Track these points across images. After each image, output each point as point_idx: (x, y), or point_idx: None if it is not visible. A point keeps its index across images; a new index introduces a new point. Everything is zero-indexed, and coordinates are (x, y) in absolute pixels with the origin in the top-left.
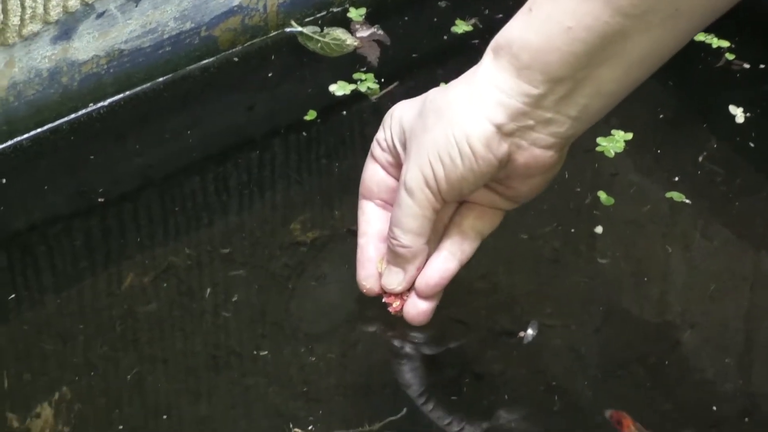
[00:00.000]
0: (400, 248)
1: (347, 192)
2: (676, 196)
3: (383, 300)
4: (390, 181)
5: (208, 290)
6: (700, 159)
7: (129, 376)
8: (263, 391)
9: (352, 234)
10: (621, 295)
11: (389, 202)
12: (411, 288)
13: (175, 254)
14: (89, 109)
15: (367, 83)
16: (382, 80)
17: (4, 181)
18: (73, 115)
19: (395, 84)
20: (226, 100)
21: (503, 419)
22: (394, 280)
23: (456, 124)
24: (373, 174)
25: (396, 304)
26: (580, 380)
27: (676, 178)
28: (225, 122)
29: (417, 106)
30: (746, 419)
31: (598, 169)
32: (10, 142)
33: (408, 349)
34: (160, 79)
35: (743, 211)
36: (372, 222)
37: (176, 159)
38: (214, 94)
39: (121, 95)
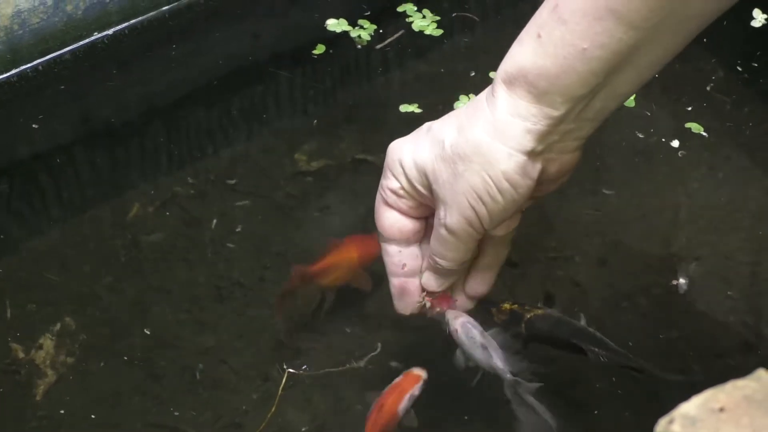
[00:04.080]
0: (444, 270)
1: (352, 122)
2: (694, 127)
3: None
4: (411, 224)
5: (213, 220)
6: (708, 89)
7: (133, 307)
8: (267, 321)
9: (357, 163)
10: (626, 227)
11: (413, 240)
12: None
13: (179, 184)
14: (94, 37)
15: (361, 32)
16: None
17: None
18: (77, 44)
19: (400, 33)
20: (231, 30)
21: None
22: (435, 284)
23: (489, 165)
24: (394, 221)
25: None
26: (585, 312)
27: (689, 108)
28: (230, 51)
29: (426, 147)
30: (749, 350)
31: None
32: (14, 71)
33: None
34: (165, 7)
35: (749, 143)
36: (401, 264)
37: (181, 88)
38: (220, 23)
39: (125, 24)
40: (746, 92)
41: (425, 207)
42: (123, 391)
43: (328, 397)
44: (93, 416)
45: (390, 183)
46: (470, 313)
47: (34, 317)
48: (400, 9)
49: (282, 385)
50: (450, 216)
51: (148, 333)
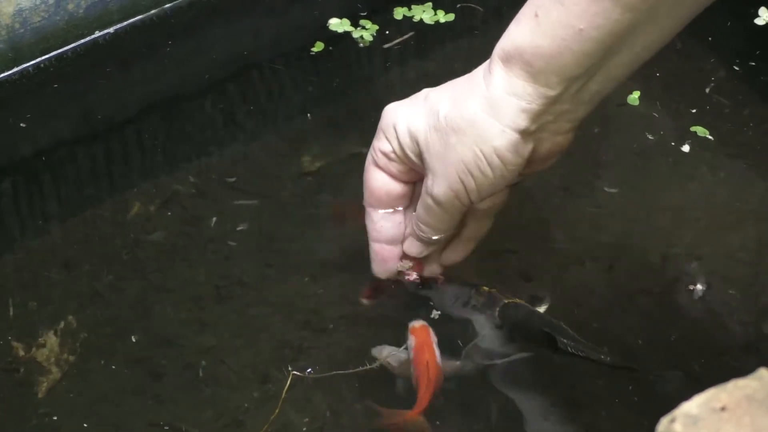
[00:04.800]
0: (428, 239)
1: (355, 121)
2: (700, 130)
3: (398, 272)
4: (399, 188)
5: (214, 219)
6: (707, 90)
7: (134, 305)
8: (268, 320)
9: (359, 161)
10: (628, 227)
11: (398, 207)
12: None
13: (180, 183)
14: (95, 36)
15: (363, 32)
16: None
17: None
18: (78, 42)
19: (410, 35)
20: (231, 28)
21: (510, 347)
22: (417, 251)
23: (481, 140)
24: (383, 184)
25: (413, 275)
26: (587, 310)
27: (690, 108)
28: (231, 49)
29: (422, 115)
30: (751, 350)
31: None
32: (15, 69)
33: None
34: (167, 5)
35: (751, 142)
36: (383, 231)
37: (182, 87)
38: (220, 21)
39: (127, 22)
40: (748, 91)
41: (414, 173)
42: (124, 389)
43: (328, 397)
44: (94, 414)
45: (382, 145)
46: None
47: (36, 316)
48: (397, 16)
49: (286, 388)
50: (437, 186)
51: (150, 332)
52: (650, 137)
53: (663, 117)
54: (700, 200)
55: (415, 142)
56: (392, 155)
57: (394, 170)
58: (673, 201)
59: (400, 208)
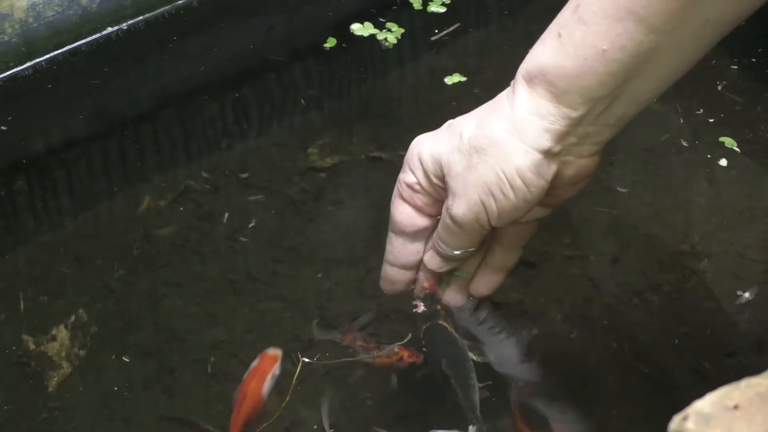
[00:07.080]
0: (447, 255)
1: (366, 118)
2: (728, 141)
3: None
4: (423, 221)
5: (226, 214)
6: (719, 87)
7: (145, 300)
8: (279, 315)
9: (371, 160)
10: (638, 225)
11: (421, 236)
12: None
13: (192, 178)
14: (108, 31)
15: (387, 34)
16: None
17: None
18: (92, 37)
19: (456, 26)
20: (244, 23)
21: (521, 346)
22: (437, 265)
23: (504, 160)
24: (407, 217)
25: (421, 307)
26: (597, 308)
27: (699, 109)
28: (243, 45)
29: (445, 139)
30: (763, 348)
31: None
32: (29, 64)
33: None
34: (180, 2)
35: (763, 140)
36: (400, 256)
37: (194, 82)
38: (233, 16)
39: (140, 17)
40: (760, 88)
41: (439, 204)
42: (135, 383)
43: (340, 391)
44: (104, 408)
45: (407, 177)
46: None
47: (47, 310)
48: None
49: (296, 375)
50: (457, 206)
51: (160, 326)
52: (662, 136)
53: (675, 114)
54: (711, 198)
55: (438, 165)
56: (417, 187)
57: (419, 202)
58: (684, 199)
59: (422, 239)
